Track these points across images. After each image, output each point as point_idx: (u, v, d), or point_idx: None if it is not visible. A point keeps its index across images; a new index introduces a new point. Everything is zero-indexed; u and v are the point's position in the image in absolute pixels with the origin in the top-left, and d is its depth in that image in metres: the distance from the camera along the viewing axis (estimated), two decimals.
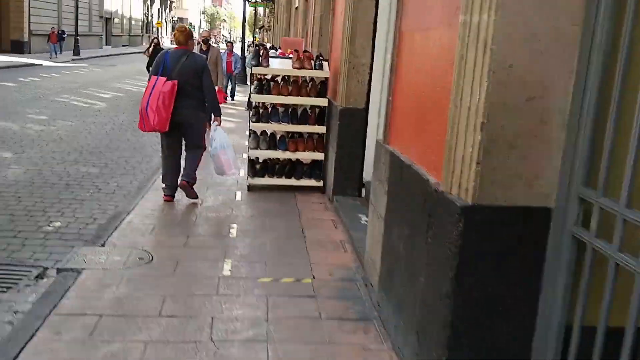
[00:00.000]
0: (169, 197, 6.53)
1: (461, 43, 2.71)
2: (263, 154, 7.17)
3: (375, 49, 6.41)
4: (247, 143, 9.94)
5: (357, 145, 6.60)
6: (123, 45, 54.64)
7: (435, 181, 3.03)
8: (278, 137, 7.30)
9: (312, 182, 7.18)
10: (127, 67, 30.62)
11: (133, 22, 60.15)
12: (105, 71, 27.90)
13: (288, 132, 7.31)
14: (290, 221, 6.04)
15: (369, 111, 6.54)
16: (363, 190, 6.71)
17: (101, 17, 48.68)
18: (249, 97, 15.39)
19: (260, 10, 58.06)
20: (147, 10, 66.48)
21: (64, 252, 5.05)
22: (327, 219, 6.23)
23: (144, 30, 64.51)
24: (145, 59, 17.39)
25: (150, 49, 16.85)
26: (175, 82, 6.07)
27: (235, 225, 5.76)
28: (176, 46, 6.45)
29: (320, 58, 7.12)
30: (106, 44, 50.27)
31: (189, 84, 6.17)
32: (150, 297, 4.08)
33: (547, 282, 2.67)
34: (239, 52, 22.42)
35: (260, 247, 5.24)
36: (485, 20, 2.52)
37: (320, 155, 7.17)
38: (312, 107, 7.23)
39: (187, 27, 6.72)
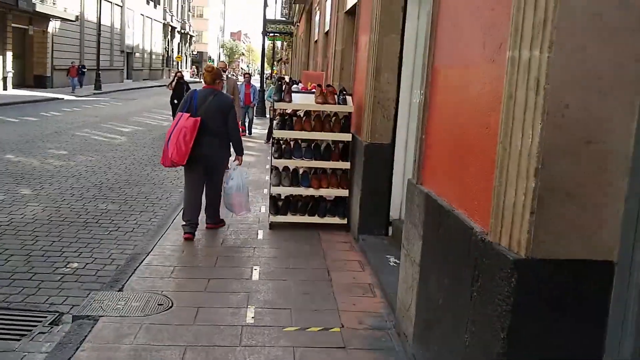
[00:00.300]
0: (190, 234, 6.40)
1: (509, 81, 2.49)
2: (285, 191, 6.96)
3: (402, 83, 6.23)
4: (267, 178, 9.75)
5: (383, 182, 6.37)
6: (144, 79, 55.25)
7: (480, 229, 2.78)
8: (300, 173, 7.10)
9: (336, 220, 6.95)
10: (147, 101, 30.89)
11: (154, 57, 60.94)
12: (126, 105, 28.13)
13: (311, 168, 7.11)
14: (314, 262, 5.80)
15: (395, 147, 6.33)
16: (390, 229, 6.47)
17: (122, 51, 49.34)
18: (269, 130, 15.33)
19: (279, 43, 58.76)
20: (168, 45, 67.37)
21: (81, 296, 4.86)
22: (353, 259, 5.98)
23: (164, 64, 65.29)
24: (169, 92, 17.43)
25: (174, 83, 16.88)
26: (199, 118, 6.14)
27: (257, 267, 5.53)
28: (204, 85, 6.53)
29: (344, 92, 6.95)
30: (127, 78, 50.86)
31: (214, 123, 6.24)
32: (170, 349, 3.84)
33: (611, 342, 2.40)
34: (257, 84, 22.48)
35: (285, 291, 5.00)
36: (537, 57, 2.31)
37: (344, 192, 6.95)
38: (336, 142, 7.04)
39: (214, 67, 6.72)
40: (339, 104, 6.79)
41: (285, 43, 52.78)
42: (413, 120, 6.24)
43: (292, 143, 7.05)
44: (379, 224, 6.47)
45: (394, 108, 6.27)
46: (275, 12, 53.13)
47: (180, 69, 43.17)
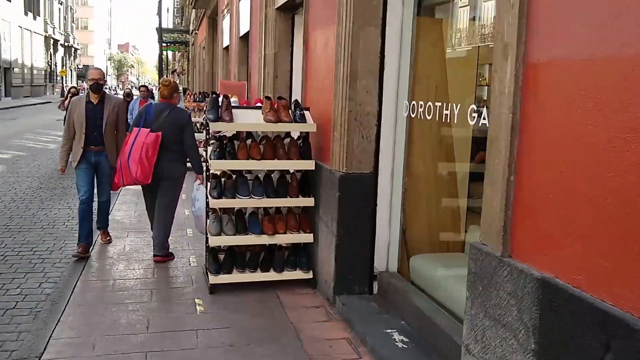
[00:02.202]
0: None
1: None
2: (230, 241, 5.18)
3: (384, 91, 4.68)
4: (187, 212, 7.86)
5: (364, 223, 4.79)
6: (25, 96, 50.64)
7: None
8: (247, 215, 5.36)
9: (298, 274, 5.27)
10: (29, 120, 27.55)
11: (35, 72, 56.03)
12: (4, 126, 24.76)
13: (258, 207, 5.38)
14: (288, 350, 4.08)
15: (379, 176, 4.77)
16: (375, 285, 4.89)
17: None
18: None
19: (172, 54, 55.84)
20: (50, 59, 62.46)
21: None
22: (339, 337, 4.31)
23: (47, 80, 60.46)
24: (60, 112, 14.55)
25: (67, 102, 14.20)
26: (159, 134, 5.77)
27: None
28: (160, 99, 6.25)
29: (300, 106, 5.29)
30: (5, 96, 46.25)
31: (169, 138, 5.84)
32: None
33: None
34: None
35: None
36: None
37: (307, 237, 5.27)
38: (292, 171, 5.37)
39: (172, 80, 6.39)
40: (296, 121, 5.13)
41: (178, 53, 50.14)
42: (401, 140, 4.72)
43: (233, 175, 5.30)
44: (360, 280, 4.87)
45: (375, 125, 4.70)
46: (167, 21, 50.53)
47: (77, 85, 39.29)
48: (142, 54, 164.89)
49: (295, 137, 5.42)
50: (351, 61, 4.59)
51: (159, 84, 6.65)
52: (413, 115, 4.57)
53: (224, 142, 5.15)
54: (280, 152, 5.16)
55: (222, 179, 5.27)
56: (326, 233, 5.02)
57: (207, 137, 5.29)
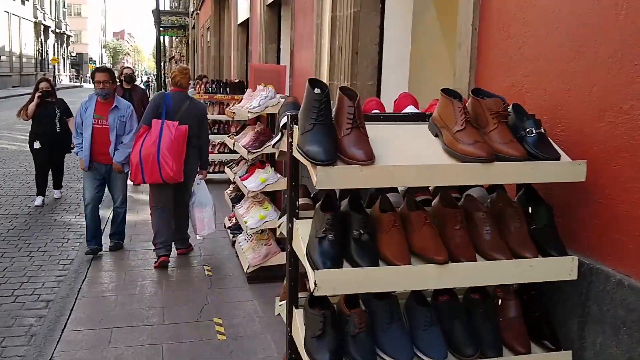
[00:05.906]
0: (165, 257, 5.60)
1: None
2: None
3: None
4: None
5: None
6: (13, 86, 47.38)
7: None
8: None
9: None
10: (11, 113, 24.19)
11: (24, 60, 52.60)
12: None
13: None
14: None
15: None
16: None
17: None
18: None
19: (168, 41, 52.28)
20: (41, 46, 58.98)
21: None
22: None
23: (38, 68, 56.98)
24: (25, 123, 8.94)
25: (33, 105, 8.12)
26: (186, 126, 5.43)
27: None
28: (174, 88, 5.70)
29: (534, 119, 2.06)
30: None
31: (192, 132, 5.53)
32: None
33: None
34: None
35: None
36: None
37: None
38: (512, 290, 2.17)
39: (188, 68, 5.95)
40: (535, 157, 1.92)
41: (176, 39, 46.73)
42: None
43: (375, 302, 2.10)
44: None
45: None
46: (164, 4, 47.10)
47: (55, 74, 35.58)
48: (138, 42, 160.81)
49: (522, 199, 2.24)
50: None
51: (170, 72, 5.62)
52: None
53: (341, 209, 1.95)
54: (483, 234, 1.96)
55: (336, 306, 2.08)
56: None
57: (292, 194, 2.07)
